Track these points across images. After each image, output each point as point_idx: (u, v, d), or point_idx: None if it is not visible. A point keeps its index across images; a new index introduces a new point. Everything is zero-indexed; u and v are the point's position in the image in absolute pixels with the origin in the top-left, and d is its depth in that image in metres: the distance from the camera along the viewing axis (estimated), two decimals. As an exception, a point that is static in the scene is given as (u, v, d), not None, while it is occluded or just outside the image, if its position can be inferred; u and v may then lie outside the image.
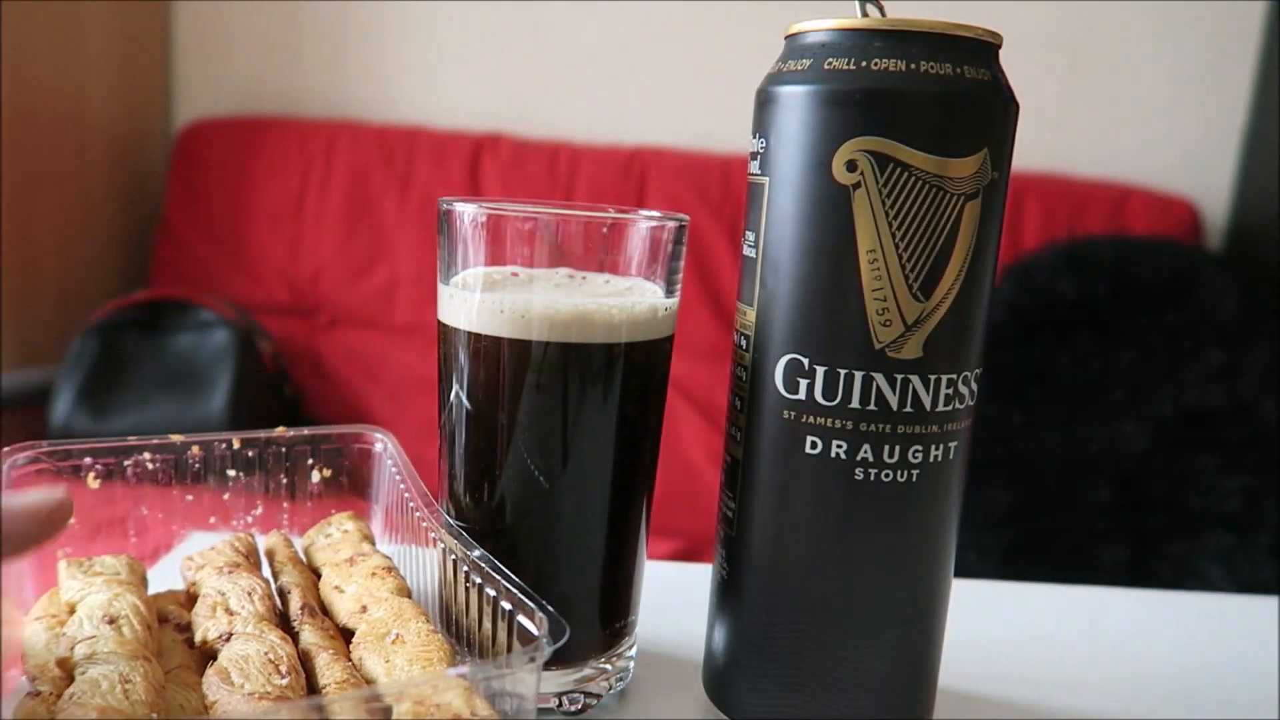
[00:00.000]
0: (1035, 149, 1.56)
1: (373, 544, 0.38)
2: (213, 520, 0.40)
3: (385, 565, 0.35)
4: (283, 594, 0.35)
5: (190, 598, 0.34)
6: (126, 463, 0.37)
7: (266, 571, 0.38)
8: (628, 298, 0.36)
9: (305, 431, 0.41)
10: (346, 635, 0.32)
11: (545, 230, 0.36)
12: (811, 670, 0.33)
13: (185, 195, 1.58)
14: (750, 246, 0.34)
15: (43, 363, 1.47)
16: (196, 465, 0.39)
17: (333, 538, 0.39)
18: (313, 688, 0.29)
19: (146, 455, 0.38)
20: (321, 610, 0.34)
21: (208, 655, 0.30)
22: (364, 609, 0.32)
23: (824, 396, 0.32)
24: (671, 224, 0.36)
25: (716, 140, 1.56)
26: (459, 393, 0.36)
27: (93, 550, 0.36)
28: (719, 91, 1.62)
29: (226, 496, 0.40)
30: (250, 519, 0.41)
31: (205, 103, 1.70)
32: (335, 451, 0.41)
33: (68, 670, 0.27)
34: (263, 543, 0.39)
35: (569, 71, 1.64)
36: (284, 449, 0.40)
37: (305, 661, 0.30)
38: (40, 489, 0.27)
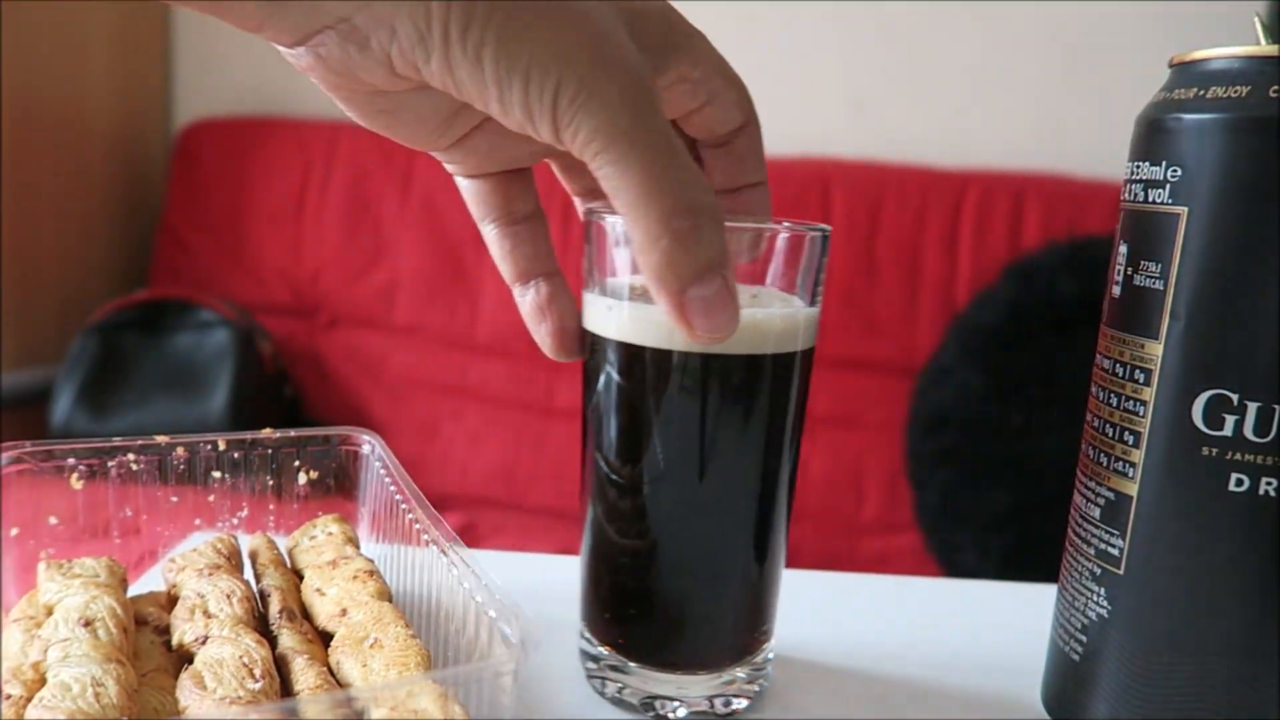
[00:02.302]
0: (1035, 149, 1.56)
1: (356, 547, 0.38)
2: (198, 522, 0.40)
3: (367, 569, 0.35)
4: (263, 596, 0.34)
5: (171, 599, 0.34)
6: (110, 463, 0.37)
7: (249, 573, 0.37)
8: (772, 308, 0.36)
9: (291, 433, 0.40)
10: (326, 638, 0.32)
11: None
12: (1217, 706, 0.33)
13: (185, 195, 1.58)
14: (1151, 277, 0.33)
15: (43, 363, 1.47)
16: (181, 466, 0.39)
17: (317, 540, 0.38)
18: (288, 692, 0.28)
19: (131, 456, 0.37)
20: (302, 613, 0.33)
21: (185, 659, 0.30)
22: (344, 612, 0.32)
23: (1256, 433, 0.31)
24: (816, 234, 0.36)
25: (717, 140, 1.56)
26: (602, 401, 0.37)
27: (75, 552, 0.35)
28: (719, 91, 1.62)
29: (212, 498, 0.40)
30: (236, 521, 0.41)
31: (205, 103, 1.70)
32: (322, 453, 0.41)
33: (40, 673, 0.27)
34: (246, 544, 0.39)
35: (569, 71, 1.63)
36: (270, 450, 0.40)
37: (281, 666, 0.30)
38: None
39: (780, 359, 0.36)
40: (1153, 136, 0.33)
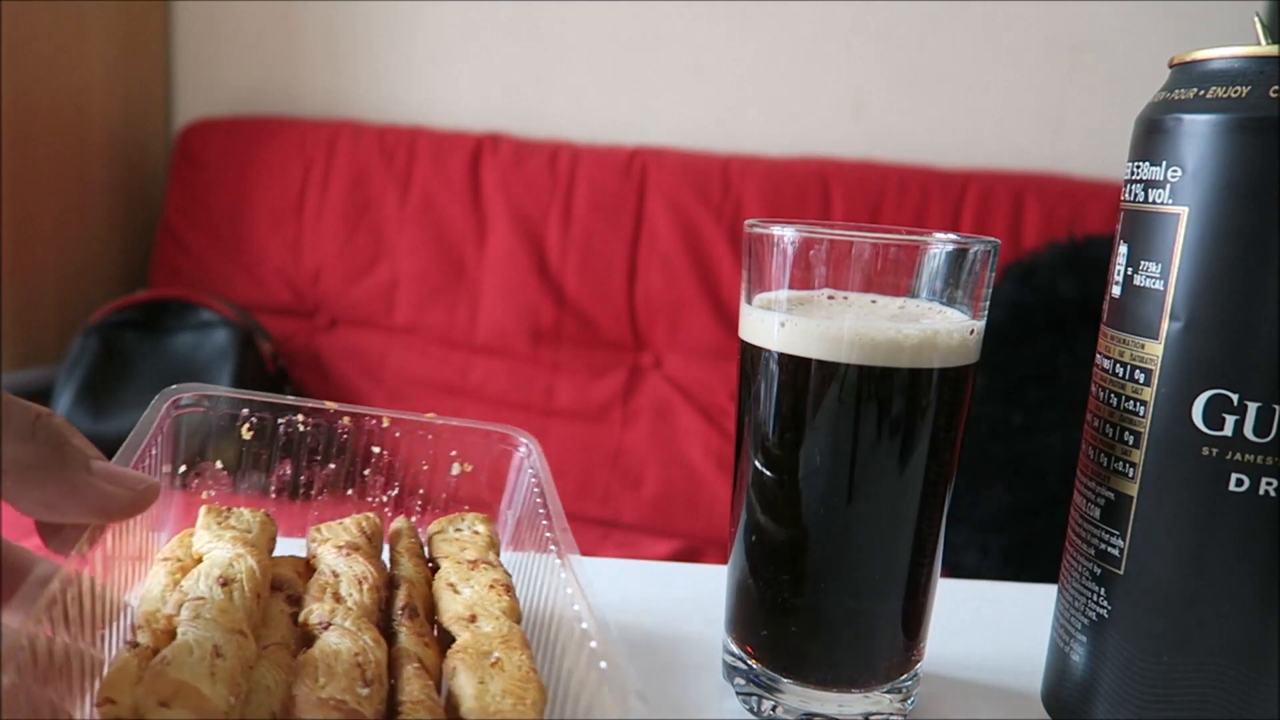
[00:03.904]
0: (1035, 149, 1.55)
1: (498, 555, 0.37)
2: (349, 492, 0.40)
3: (505, 583, 0.34)
4: (393, 585, 0.34)
5: (309, 569, 0.35)
6: (280, 420, 0.38)
7: (387, 554, 0.37)
8: (938, 322, 0.36)
9: (454, 422, 0.41)
10: (445, 639, 0.32)
11: (858, 253, 0.36)
12: (1218, 707, 0.33)
13: (185, 195, 1.58)
14: (1151, 278, 0.33)
15: (43, 363, 1.47)
16: (345, 436, 0.39)
17: (462, 534, 0.38)
18: (393, 699, 0.28)
19: (300, 417, 0.38)
20: (427, 611, 0.33)
21: (308, 637, 0.30)
22: (473, 618, 0.32)
23: (1256, 433, 0.31)
24: (983, 248, 0.36)
25: (716, 140, 1.56)
26: (762, 412, 0.37)
27: (234, 500, 0.36)
28: (719, 91, 1.62)
29: (367, 472, 0.40)
30: (385, 498, 0.41)
31: (205, 103, 1.70)
32: (479, 448, 0.41)
33: (171, 627, 0.27)
34: (390, 526, 0.39)
35: (569, 71, 1.64)
36: (430, 435, 0.40)
37: (393, 665, 0.30)
38: (140, 473, 0.28)
39: (946, 373, 0.36)
40: (1153, 136, 0.33)
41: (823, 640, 0.37)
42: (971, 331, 0.36)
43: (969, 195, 1.45)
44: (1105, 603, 0.35)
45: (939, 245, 0.36)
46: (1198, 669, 0.33)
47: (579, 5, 1.61)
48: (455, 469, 0.41)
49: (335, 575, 0.33)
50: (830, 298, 0.37)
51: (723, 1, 1.59)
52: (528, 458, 0.40)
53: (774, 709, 0.38)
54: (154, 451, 0.34)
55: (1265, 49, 0.31)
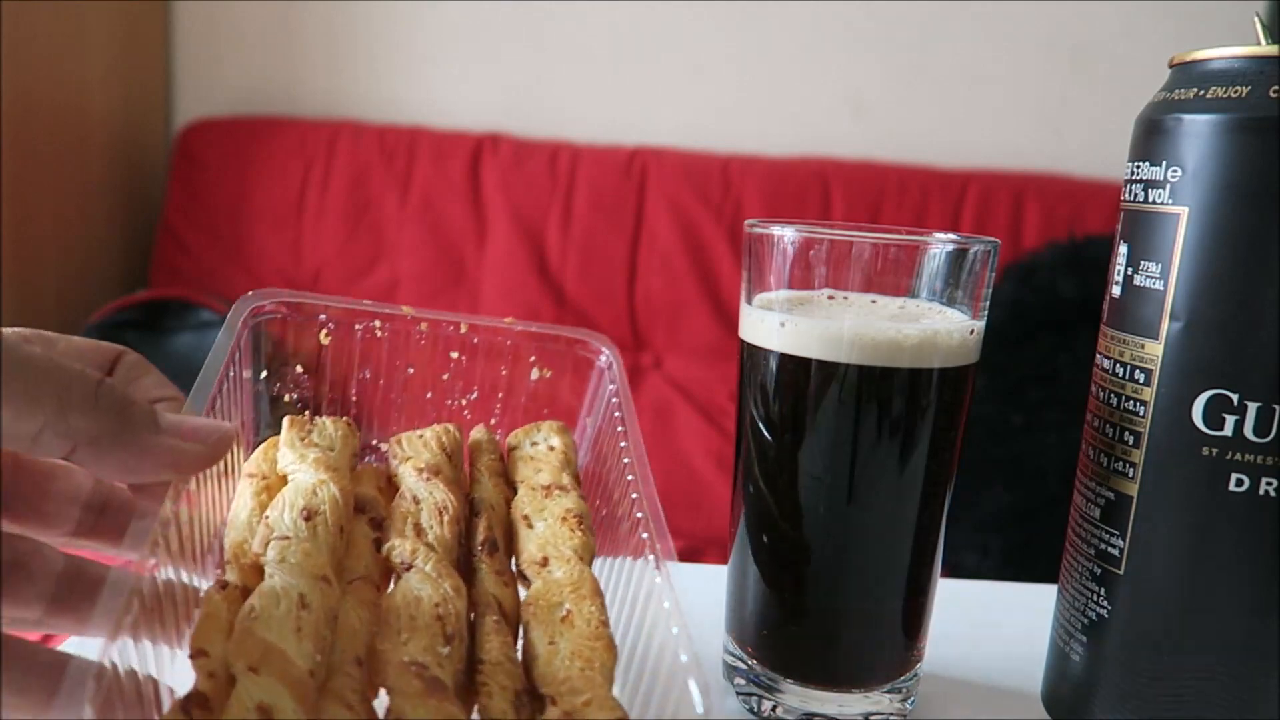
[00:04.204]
0: (1035, 149, 1.55)
1: (574, 471, 0.37)
2: (428, 395, 0.40)
3: (577, 513, 0.34)
4: (473, 508, 0.34)
5: (391, 486, 0.35)
6: (357, 326, 0.38)
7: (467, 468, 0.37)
8: (938, 322, 0.36)
9: (533, 328, 0.40)
10: (523, 577, 0.32)
11: (858, 253, 0.36)
12: (1218, 707, 0.33)
13: (185, 195, 1.58)
14: (1151, 278, 0.33)
15: (43, 363, 1.47)
16: (423, 342, 0.39)
17: (538, 450, 0.38)
18: (473, 654, 0.28)
19: (377, 323, 0.38)
20: (505, 543, 0.33)
21: (390, 569, 0.30)
22: (545, 561, 0.32)
23: (1256, 433, 0.31)
24: (982, 248, 0.36)
25: (716, 140, 1.56)
26: (761, 411, 0.37)
27: (316, 406, 0.37)
28: (719, 91, 1.62)
29: (445, 376, 0.40)
30: (464, 402, 0.41)
31: (205, 103, 1.70)
32: (559, 353, 0.40)
33: (259, 565, 0.28)
34: (470, 435, 0.38)
35: (569, 71, 1.64)
36: (509, 342, 0.40)
37: (474, 607, 0.30)
38: (208, 419, 0.28)
39: (946, 373, 0.36)
40: (1153, 136, 0.33)
41: (823, 640, 0.37)
42: (971, 331, 0.36)
43: (969, 195, 1.45)
44: (1105, 603, 0.35)
45: (939, 245, 0.36)
46: (1198, 669, 0.33)
47: (579, 5, 1.61)
48: (534, 374, 0.40)
49: (416, 502, 0.32)
50: (830, 298, 0.37)
51: (723, 1, 1.59)
52: (608, 370, 0.39)
53: (774, 709, 0.38)
54: (236, 357, 0.34)
55: (1265, 49, 0.31)
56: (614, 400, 0.38)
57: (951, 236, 0.36)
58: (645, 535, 0.31)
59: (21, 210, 1.41)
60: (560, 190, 1.49)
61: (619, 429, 0.36)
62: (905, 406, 0.35)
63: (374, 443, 0.39)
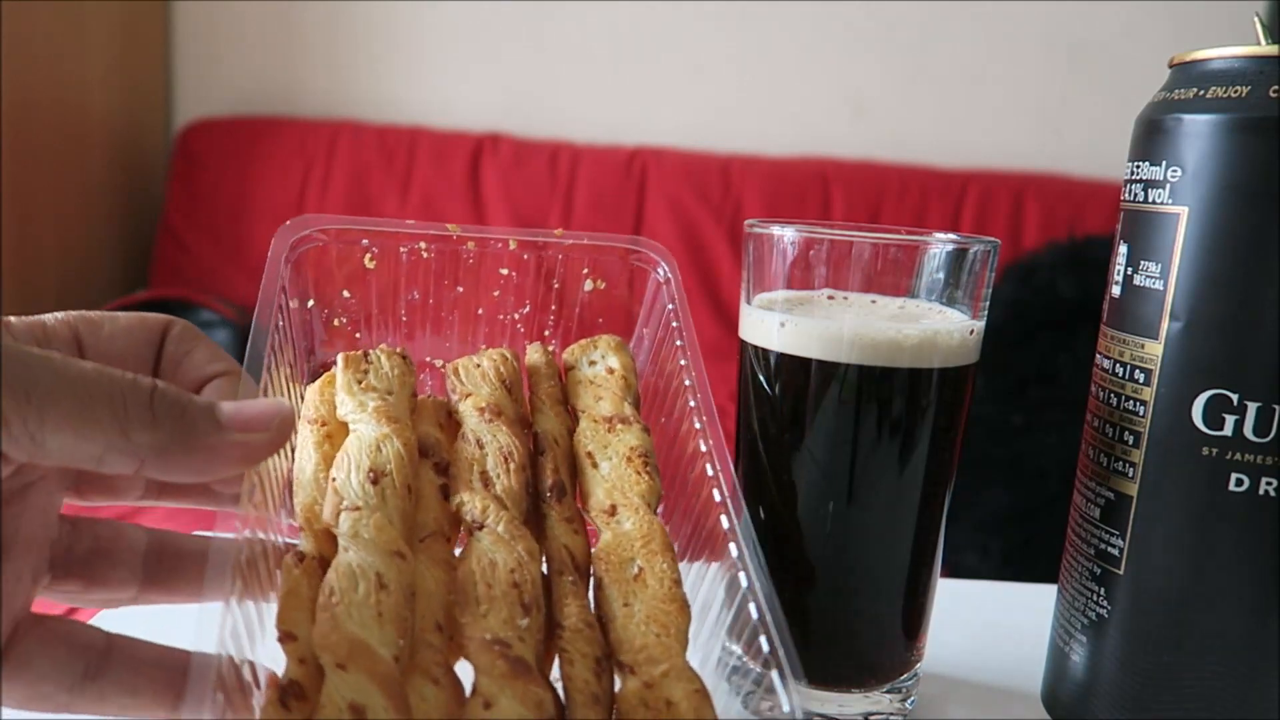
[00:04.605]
0: (1035, 149, 1.55)
1: (635, 395, 0.36)
2: (480, 311, 0.39)
3: (643, 452, 0.33)
4: (537, 443, 0.34)
5: (453, 422, 0.34)
6: (402, 249, 0.37)
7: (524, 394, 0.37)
8: (938, 323, 0.36)
9: (585, 239, 0.39)
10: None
11: (858, 253, 0.36)
12: (1218, 707, 0.33)
13: (185, 195, 1.58)
14: (1151, 277, 0.33)
15: (43, 363, 1.47)
16: (471, 260, 0.38)
17: (596, 371, 0.37)
18: (551, 619, 0.28)
19: (423, 245, 0.38)
20: (570, 482, 0.33)
21: (459, 520, 0.30)
22: (614, 510, 0.31)
23: (1255, 433, 0.31)
24: (982, 248, 0.36)
25: (716, 140, 1.56)
26: (762, 412, 0.37)
27: (368, 329, 0.37)
28: (719, 91, 1.62)
29: (496, 293, 0.39)
30: (517, 316, 0.40)
31: (205, 103, 1.70)
32: (612, 263, 0.40)
33: (332, 535, 0.28)
34: (526, 357, 0.38)
35: (569, 71, 1.64)
36: (560, 255, 0.39)
37: (548, 561, 0.30)
38: (264, 400, 0.27)
39: (947, 373, 0.36)
40: (1152, 136, 0.33)
41: (823, 640, 0.37)
42: (971, 331, 0.36)
43: (969, 195, 1.45)
44: (1105, 603, 0.35)
45: (939, 245, 0.36)
46: (1198, 669, 0.33)
47: (579, 6, 1.61)
48: (588, 285, 0.40)
49: (480, 446, 0.32)
50: (830, 298, 0.37)
51: (723, 2, 1.59)
52: (666, 285, 0.38)
53: (774, 709, 0.38)
54: (282, 289, 0.34)
55: (1265, 49, 0.31)
56: (671, 309, 0.37)
57: (951, 237, 0.36)
58: (710, 472, 0.31)
59: (21, 210, 1.41)
60: (560, 190, 1.49)
61: (677, 343, 0.35)
62: (905, 406, 0.35)
63: (427, 359, 0.38)
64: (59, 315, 0.28)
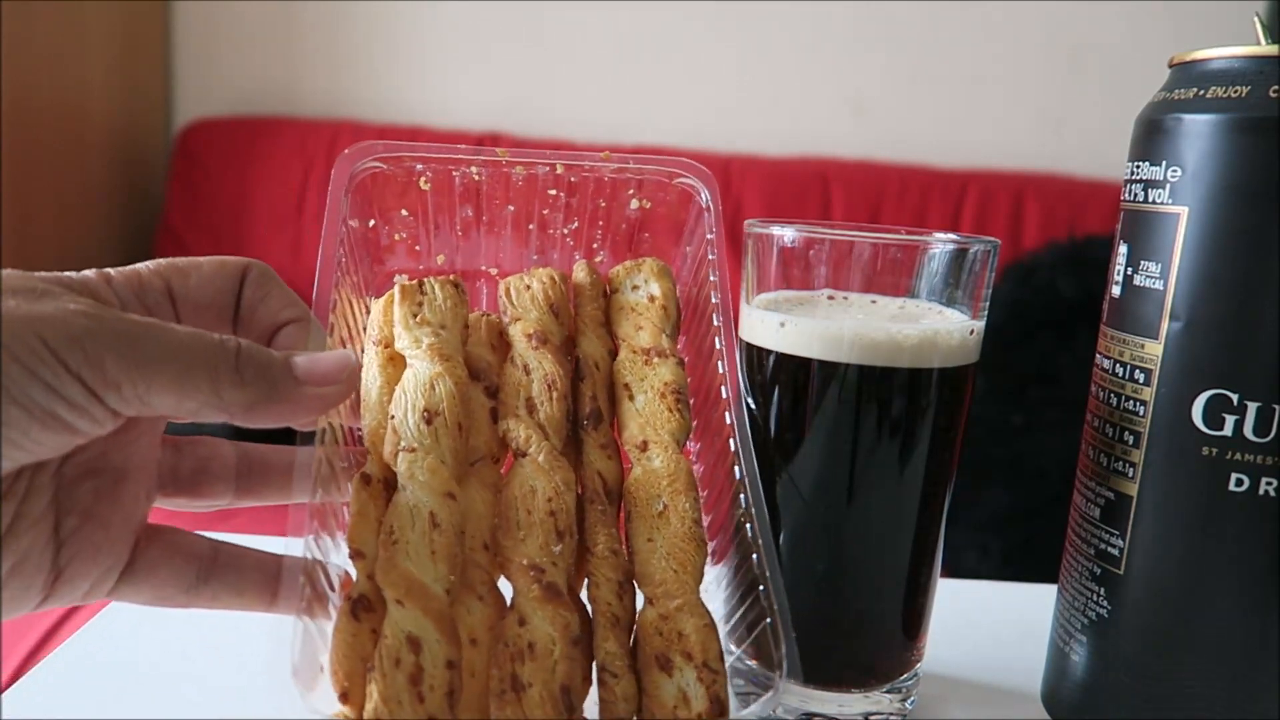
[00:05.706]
0: (1035, 149, 1.55)
1: (674, 324, 0.37)
2: (530, 227, 0.42)
3: (676, 388, 0.34)
4: (579, 371, 0.35)
5: (503, 341, 0.36)
6: (455, 172, 0.40)
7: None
8: (938, 323, 0.36)
9: (630, 162, 0.41)
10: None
11: (858, 253, 0.36)
12: (1218, 707, 0.33)
13: (185, 195, 1.58)
14: (1151, 277, 0.33)
15: (43, 363, 1.47)
16: (520, 182, 0.41)
17: (639, 298, 0.38)
18: (583, 546, 0.31)
19: (474, 169, 0.40)
20: (607, 409, 0.35)
21: (505, 443, 0.33)
22: (645, 446, 0.33)
23: (1255, 433, 0.31)
24: (982, 248, 0.36)
25: (716, 140, 1.56)
26: (762, 412, 0.37)
27: (428, 239, 0.40)
28: (719, 91, 1.62)
29: (545, 211, 0.42)
30: (566, 231, 0.42)
31: (205, 103, 1.70)
32: (657, 185, 0.41)
33: (391, 470, 0.30)
34: (573, 273, 0.40)
35: (569, 72, 1.64)
36: (606, 178, 0.41)
37: (581, 485, 0.32)
38: (333, 353, 0.30)
39: (946, 372, 0.36)
40: (1152, 136, 0.33)
41: (822, 640, 0.37)
42: (971, 331, 0.36)
43: (969, 195, 1.45)
44: (1105, 603, 0.35)
45: (939, 245, 0.36)
46: (1198, 669, 0.33)
47: (579, 6, 1.61)
48: (634, 204, 0.42)
49: (527, 372, 0.34)
50: (830, 298, 0.37)
51: (723, 2, 1.59)
52: (706, 206, 0.40)
53: (773, 709, 0.38)
54: (343, 212, 0.37)
55: (1265, 49, 0.31)
56: (709, 239, 0.39)
57: (951, 237, 0.36)
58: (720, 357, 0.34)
59: (21, 210, 1.41)
60: (560, 190, 1.49)
61: (711, 278, 0.37)
62: (905, 406, 0.35)
63: (482, 267, 0.41)
64: (151, 265, 0.31)
